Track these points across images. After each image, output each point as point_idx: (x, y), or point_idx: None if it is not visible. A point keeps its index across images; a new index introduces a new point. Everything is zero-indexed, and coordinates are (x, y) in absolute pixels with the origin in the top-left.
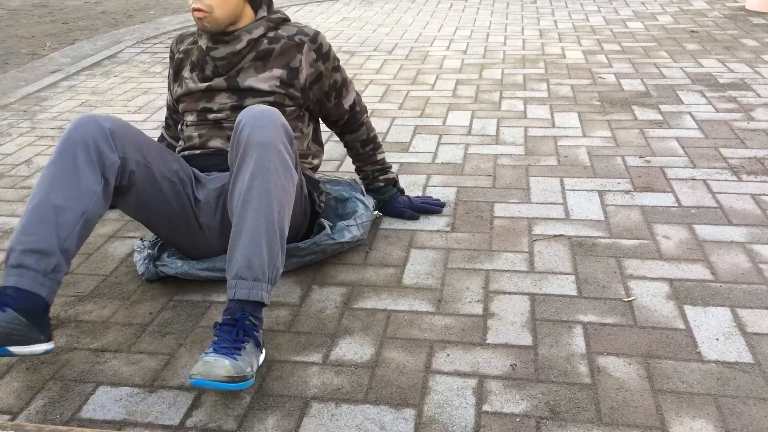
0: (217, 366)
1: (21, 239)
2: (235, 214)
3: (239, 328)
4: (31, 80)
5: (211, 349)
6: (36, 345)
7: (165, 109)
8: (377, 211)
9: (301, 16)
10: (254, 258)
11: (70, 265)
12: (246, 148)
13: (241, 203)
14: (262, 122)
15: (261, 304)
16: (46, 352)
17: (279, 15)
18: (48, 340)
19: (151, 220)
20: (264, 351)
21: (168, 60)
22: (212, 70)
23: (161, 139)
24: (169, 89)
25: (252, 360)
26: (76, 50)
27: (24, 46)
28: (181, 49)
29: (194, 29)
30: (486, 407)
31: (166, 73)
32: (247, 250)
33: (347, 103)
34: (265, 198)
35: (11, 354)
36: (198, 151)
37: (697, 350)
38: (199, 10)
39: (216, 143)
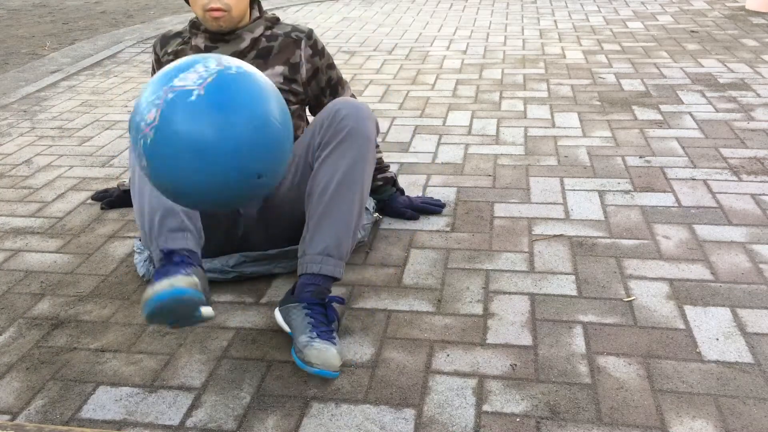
0: (330, 355)
1: (168, 213)
2: (329, 193)
3: (329, 309)
4: (31, 80)
5: (314, 333)
6: (207, 306)
7: None
8: (377, 214)
9: (301, 16)
10: (344, 240)
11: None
12: (349, 136)
13: (337, 185)
14: (363, 114)
15: (335, 279)
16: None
17: (273, 14)
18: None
19: None
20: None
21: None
22: None
23: None
24: None
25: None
26: (76, 50)
27: (24, 46)
28: (169, 51)
29: (176, 29)
30: (486, 407)
31: None
32: (340, 231)
33: None
34: (360, 185)
35: (201, 320)
36: None
37: (697, 350)
38: (218, 9)
39: None
